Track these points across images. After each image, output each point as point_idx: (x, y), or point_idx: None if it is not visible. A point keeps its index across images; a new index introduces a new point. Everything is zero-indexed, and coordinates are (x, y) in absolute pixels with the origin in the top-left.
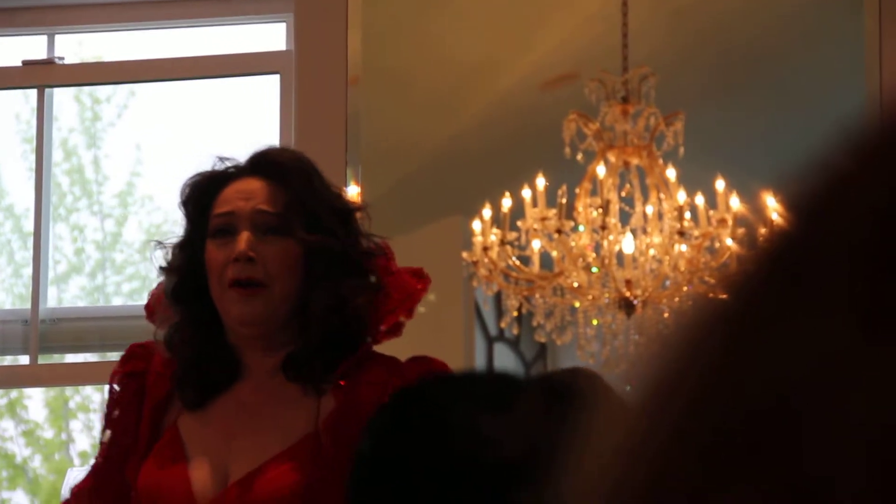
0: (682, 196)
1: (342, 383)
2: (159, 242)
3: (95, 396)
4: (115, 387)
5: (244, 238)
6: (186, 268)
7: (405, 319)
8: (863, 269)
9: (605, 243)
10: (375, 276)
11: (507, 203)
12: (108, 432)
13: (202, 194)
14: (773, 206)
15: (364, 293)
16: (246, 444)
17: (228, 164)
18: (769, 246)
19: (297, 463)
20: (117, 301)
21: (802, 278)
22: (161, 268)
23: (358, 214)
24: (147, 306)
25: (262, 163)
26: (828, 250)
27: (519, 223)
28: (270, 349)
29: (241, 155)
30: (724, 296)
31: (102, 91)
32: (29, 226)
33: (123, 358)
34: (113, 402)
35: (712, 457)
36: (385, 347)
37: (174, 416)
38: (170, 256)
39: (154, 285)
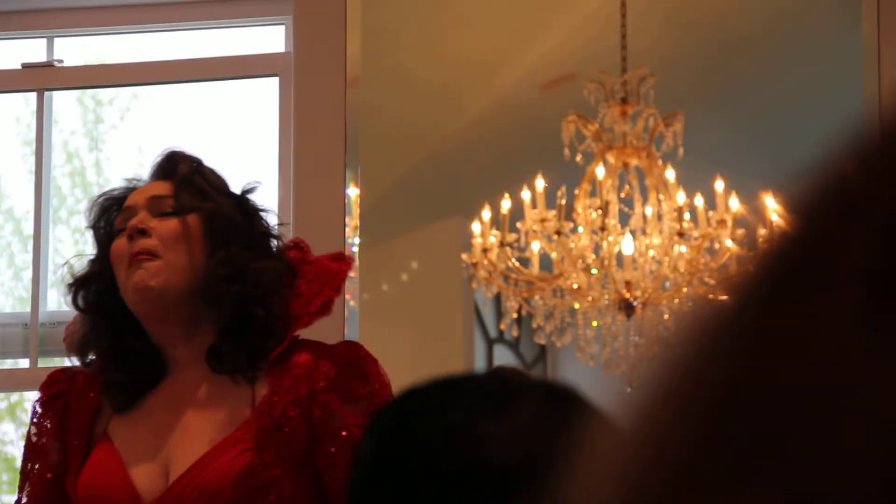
0: (681, 197)
1: (272, 369)
2: (69, 263)
3: None
4: (39, 409)
5: (138, 217)
6: (100, 277)
7: (334, 297)
8: (868, 274)
9: (605, 244)
10: (284, 261)
11: (506, 204)
12: (34, 464)
13: (110, 216)
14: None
15: (264, 266)
16: (184, 438)
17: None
18: (774, 254)
19: (238, 449)
20: None
21: (811, 286)
22: (69, 284)
23: (262, 212)
24: (64, 339)
25: (156, 169)
26: (835, 259)
27: (518, 224)
28: (189, 339)
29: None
30: (726, 299)
31: (105, 93)
32: (29, 229)
33: (45, 384)
34: (39, 427)
35: (731, 463)
36: (385, 348)
37: (104, 424)
38: (82, 269)
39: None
